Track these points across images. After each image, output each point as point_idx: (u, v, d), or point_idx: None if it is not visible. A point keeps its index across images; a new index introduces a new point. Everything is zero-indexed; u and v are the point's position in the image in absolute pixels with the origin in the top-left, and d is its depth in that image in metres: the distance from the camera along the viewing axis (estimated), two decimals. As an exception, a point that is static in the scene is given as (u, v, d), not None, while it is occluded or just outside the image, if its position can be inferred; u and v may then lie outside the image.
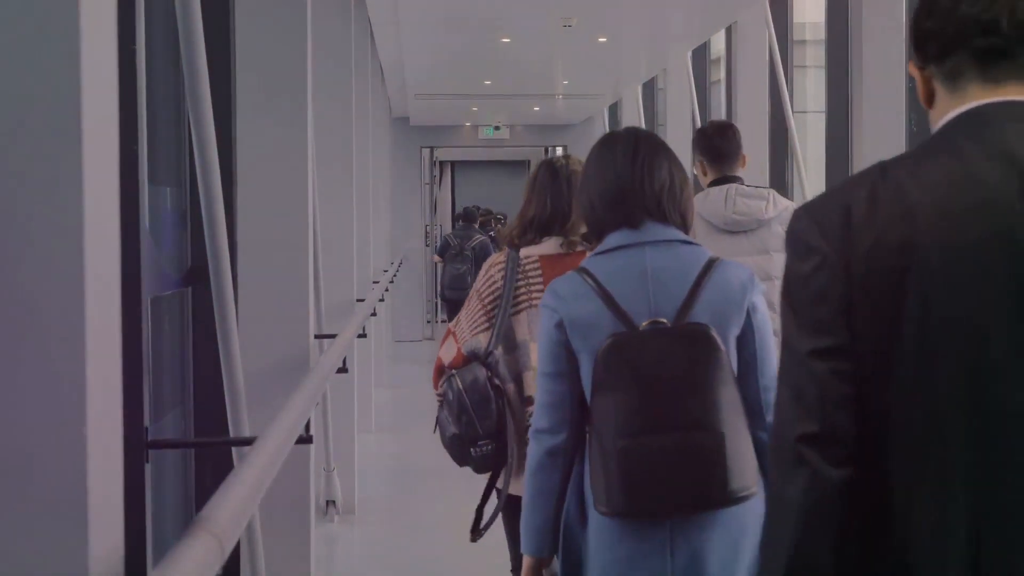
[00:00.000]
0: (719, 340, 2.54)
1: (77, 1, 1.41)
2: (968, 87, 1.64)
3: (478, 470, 3.58)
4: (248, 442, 3.01)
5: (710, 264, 2.63)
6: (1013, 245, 1.53)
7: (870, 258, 1.57)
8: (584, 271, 2.65)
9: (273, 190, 4.16)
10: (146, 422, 3.04)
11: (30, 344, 1.43)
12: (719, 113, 11.51)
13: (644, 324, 2.57)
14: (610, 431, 2.52)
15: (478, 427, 3.47)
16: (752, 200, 4.53)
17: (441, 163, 22.77)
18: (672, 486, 2.49)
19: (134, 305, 3.02)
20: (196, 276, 4.00)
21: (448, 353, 3.60)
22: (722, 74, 11.22)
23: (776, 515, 1.62)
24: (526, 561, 2.75)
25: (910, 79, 7.28)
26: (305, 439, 3.25)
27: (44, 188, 1.42)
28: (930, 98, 1.70)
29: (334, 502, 6.75)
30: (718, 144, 4.59)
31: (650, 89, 14.08)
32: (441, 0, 8.62)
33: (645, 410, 2.51)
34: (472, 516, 3.60)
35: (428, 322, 18.04)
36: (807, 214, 1.65)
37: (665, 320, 2.58)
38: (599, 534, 2.60)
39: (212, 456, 4.04)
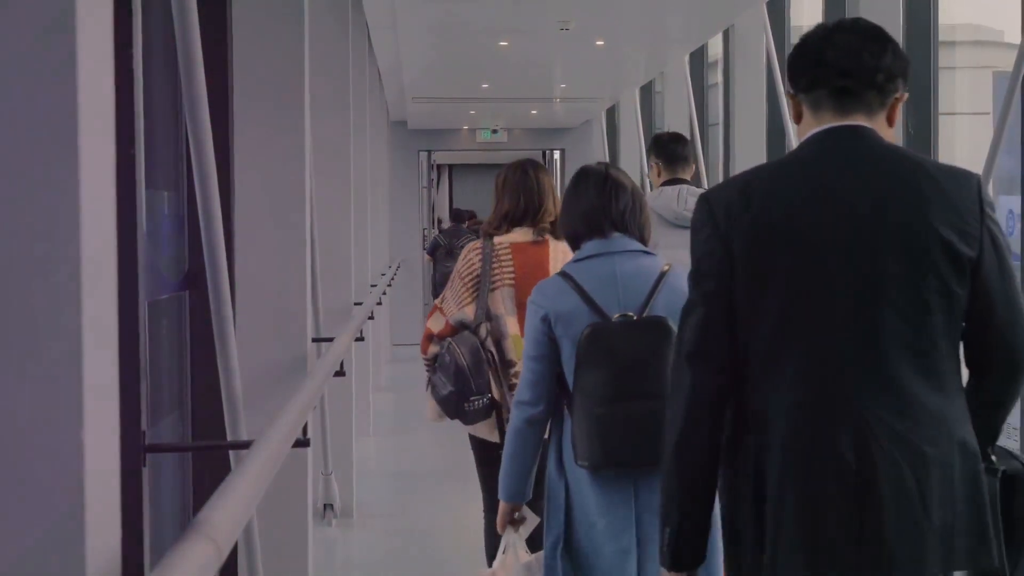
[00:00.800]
0: (674, 329, 3.06)
1: (74, 6, 1.42)
2: (826, 114, 2.30)
3: (468, 422, 4.25)
4: (245, 446, 3.01)
5: (664, 272, 3.36)
6: (848, 221, 2.21)
7: (748, 232, 2.23)
8: (565, 274, 3.35)
9: (270, 194, 4.16)
10: (143, 426, 3.04)
11: (28, 347, 1.43)
12: (717, 116, 11.52)
13: (615, 316, 3.28)
14: (590, 400, 3.20)
15: (472, 385, 4.13)
16: None
17: (439, 166, 22.78)
18: (637, 444, 3.14)
19: (132, 309, 3.02)
20: (194, 280, 4.00)
21: (436, 324, 4.30)
22: (720, 77, 11.22)
23: (671, 407, 2.30)
24: (503, 506, 3.44)
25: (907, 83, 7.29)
26: (303, 443, 3.25)
27: (41, 192, 1.43)
28: (798, 118, 2.36)
29: (332, 506, 6.75)
30: (674, 149, 5.24)
31: (648, 92, 14.09)
32: (438, 4, 8.62)
33: (617, 383, 3.20)
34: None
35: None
36: (703, 201, 2.32)
37: (632, 313, 3.29)
38: (578, 485, 3.29)
39: (210, 460, 4.04)
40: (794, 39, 9.82)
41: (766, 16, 9.24)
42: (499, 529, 3.48)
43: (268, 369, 4.13)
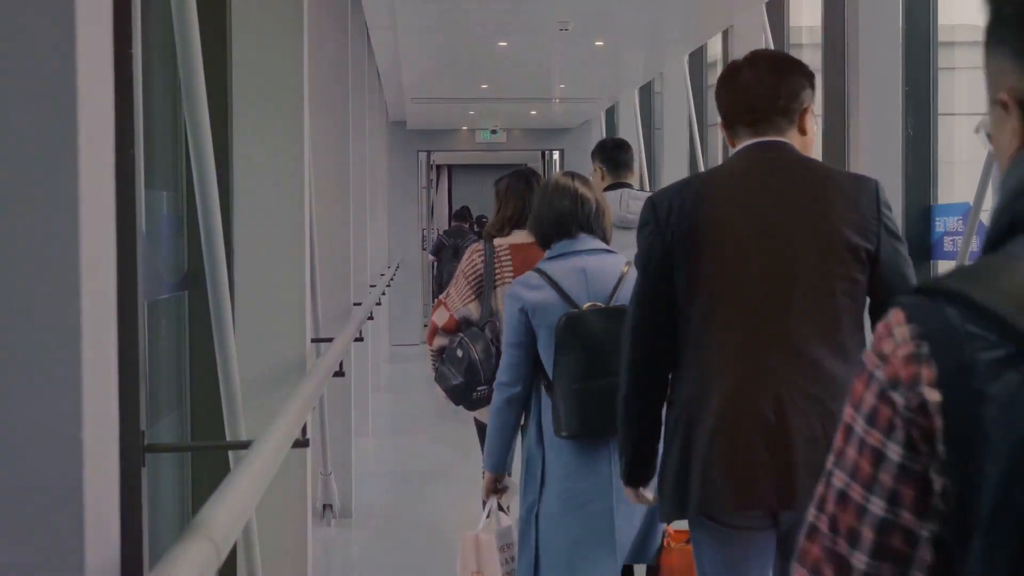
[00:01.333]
0: None
1: (73, 6, 1.42)
2: (744, 137, 2.86)
3: (472, 408, 4.74)
4: (245, 446, 3.01)
5: (625, 270, 3.83)
6: (766, 221, 2.70)
7: (684, 229, 2.73)
8: (540, 271, 3.84)
9: (270, 194, 4.16)
10: (143, 426, 3.04)
11: (26, 348, 1.43)
12: (716, 117, 11.51)
13: (586, 306, 3.78)
14: (568, 378, 3.69)
15: (482, 376, 4.59)
16: (641, 202, 5.47)
17: (438, 167, 22.78)
18: (609, 414, 3.28)
19: (131, 309, 3.02)
20: (193, 280, 4.00)
21: (441, 318, 4.74)
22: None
23: (622, 370, 2.87)
24: (488, 477, 3.97)
25: (907, 83, 7.30)
26: (302, 443, 3.25)
27: (40, 192, 1.43)
28: (731, 142, 2.90)
29: (331, 506, 6.75)
30: (617, 156, 5.59)
31: (647, 93, 14.09)
32: (437, 4, 8.62)
33: (590, 363, 3.69)
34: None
35: (425, 326, 18.04)
36: (649, 202, 2.84)
37: (600, 304, 3.78)
38: (557, 453, 3.78)
39: (209, 460, 4.04)
40: (793, 39, 9.83)
41: (765, 17, 9.24)
42: (484, 497, 4.02)
43: (267, 369, 4.13)
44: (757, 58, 2.89)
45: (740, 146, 2.85)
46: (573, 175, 4.04)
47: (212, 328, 3.26)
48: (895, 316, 1.09)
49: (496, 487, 3.98)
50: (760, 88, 2.82)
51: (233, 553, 3.50)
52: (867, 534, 1.08)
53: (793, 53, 9.82)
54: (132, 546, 2.94)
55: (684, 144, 11.88)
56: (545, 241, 3.93)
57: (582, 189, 3.94)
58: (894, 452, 1.07)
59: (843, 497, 1.10)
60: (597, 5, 8.69)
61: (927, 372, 1.05)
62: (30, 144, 1.42)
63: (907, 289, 2.23)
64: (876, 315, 2.72)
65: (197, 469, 4.11)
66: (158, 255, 3.79)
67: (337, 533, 6.71)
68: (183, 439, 4.07)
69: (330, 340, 4.87)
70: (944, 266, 7.14)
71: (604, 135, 16.50)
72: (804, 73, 2.86)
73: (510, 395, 3.83)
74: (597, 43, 10.33)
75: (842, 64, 7.98)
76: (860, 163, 7.19)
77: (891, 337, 1.08)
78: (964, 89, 8.03)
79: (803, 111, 2.82)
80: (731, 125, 2.87)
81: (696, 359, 2.75)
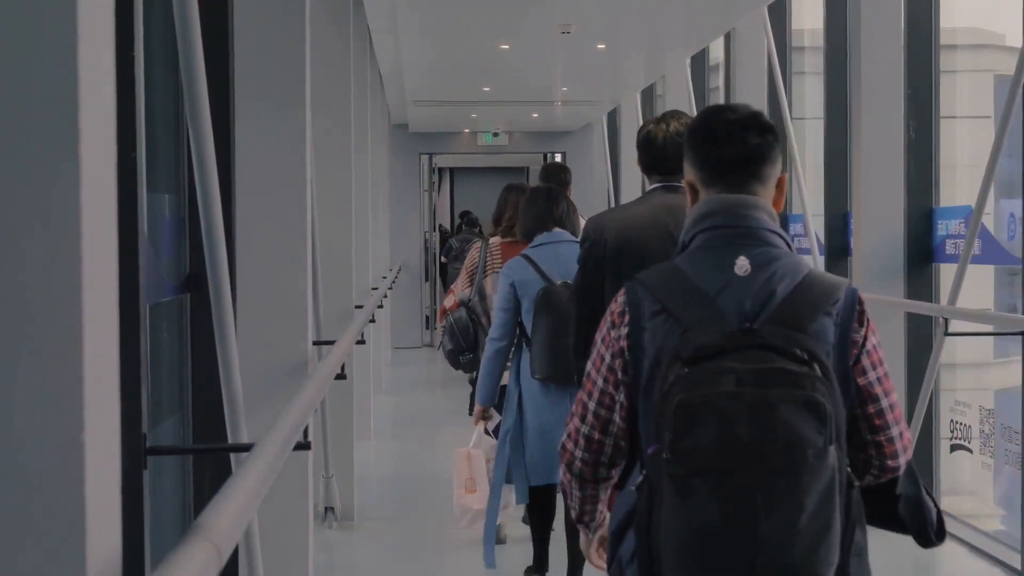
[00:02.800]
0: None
1: (75, 9, 1.42)
2: (655, 180, 3.87)
3: (466, 371, 6.83)
4: (246, 448, 3.01)
5: None
6: (661, 238, 3.67)
7: (610, 243, 3.77)
8: (525, 256, 5.26)
9: (272, 196, 4.16)
10: (144, 428, 3.04)
11: (28, 350, 1.43)
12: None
13: (559, 283, 5.15)
14: (543, 336, 5.09)
15: (463, 344, 6.35)
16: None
17: (440, 170, 22.78)
18: (570, 363, 4.02)
19: (133, 312, 3.02)
20: (194, 283, 4.00)
21: (449, 301, 6.54)
22: (721, 81, 11.22)
23: (571, 333, 3.90)
24: (478, 408, 5.46)
25: (908, 86, 7.30)
26: (303, 445, 3.25)
27: (41, 195, 1.43)
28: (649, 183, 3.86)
29: (333, 509, 6.75)
30: (560, 176, 6.66)
31: (649, 96, 14.10)
32: (439, 7, 8.62)
33: (558, 325, 4.98)
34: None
35: (427, 328, 18.05)
36: (589, 221, 3.92)
37: (569, 281, 4.89)
38: (530, 391, 5.18)
39: (210, 462, 4.04)
40: (795, 42, 9.83)
41: (767, 19, 9.24)
42: (474, 423, 5.50)
43: (269, 372, 4.13)
44: (661, 125, 3.85)
45: (650, 188, 3.89)
46: (549, 188, 5.47)
47: (214, 330, 3.27)
48: (621, 292, 2.42)
49: (485, 415, 5.46)
50: (666, 151, 3.81)
51: (234, 556, 3.50)
52: (595, 395, 2.42)
53: (795, 56, 9.84)
54: (134, 548, 2.94)
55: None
56: (529, 235, 5.35)
57: (555, 195, 5.35)
58: (607, 355, 2.40)
59: (587, 376, 2.44)
60: (599, 8, 8.70)
61: (625, 318, 2.37)
62: (31, 146, 1.42)
63: None
64: None
65: (198, 472, 4.11)
66: (160, 258, 3.79)
67: (339, 536, 6.71)
68: (185, 441, 4.07)
69: (332, 343, 4.87)
70: (946, 269, 7.14)
71: (606, 138, 16.52)
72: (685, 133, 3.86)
73: (499, 347, 5.25)
74: (599, 46, 10.33)
75: (844, 67, 7.98)
76: (862, 167, 7.19)
77: (616, 301, 2.41)
78: (966, 92, 8.03)
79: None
80: (648, 173, 3.90)
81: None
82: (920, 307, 6.88)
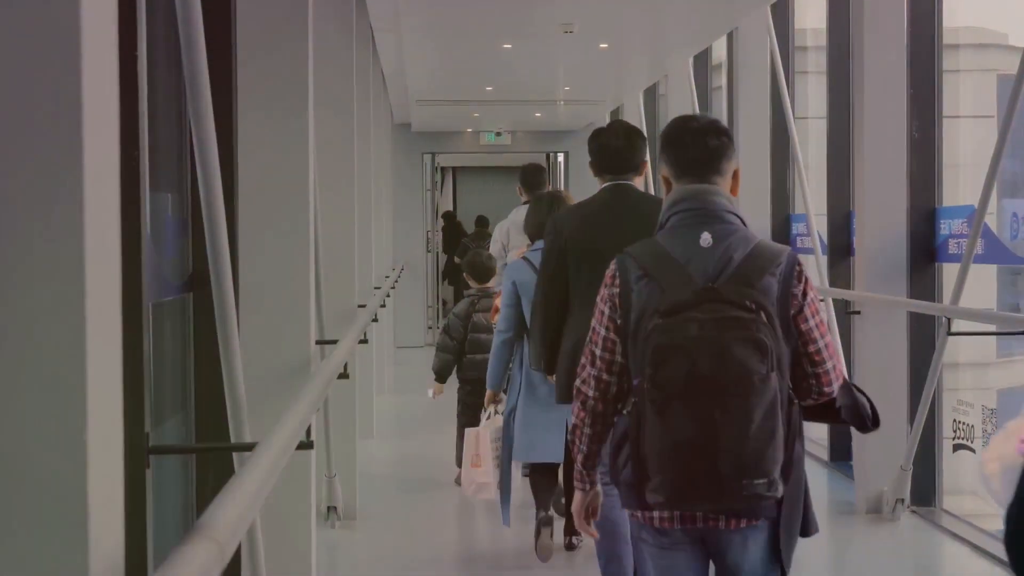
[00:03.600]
0: None
1: (79, 9, 1.42)
2: (606, 180, 4.63)
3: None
4: (249, 447, 3.01)
5: None
6: (614, 233, 4.23)
7: (570, 239, 4.50)
8: (525, 259, 5.84)
9: (274, 196, 4.17)
10: (147, 427, 3.05)
11: (31, 350, 1.43)
12: (721, 119, 11.51)
13: None
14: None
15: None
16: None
17: (443, 169, 22.78)
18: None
19: (135, 311, 3.02)
20: (197, 282, 4.00)
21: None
22: (724, 80, 11.22)
23: (537, 314, 4.75)
24: (489, 393, 6.15)
25: (911, 86, 7.29)
26: (306, 445, 3.25)
27: (45, 194, 1.43)
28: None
29: (335, 508, 6.75)
30: (538, 178, 7.58)
31: (652, 95, 14.09)
32: (442, 6, 8.62)
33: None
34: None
35: (429, 328, 18.05)
36: (551, 221, 4.66)
37: None
38: (531, 379, 5.75)
39: (213, 462, 4.04)
40: (798, 42, 9.83)
41: (770, 19, 9.24)
42: (486, 404, 6.20)
43: (272, 371, 4.13)
44: (615, 129, 4.76)
45: (600, 188, 4.65)
46: (552, 194, 6.02)
47: (217, 330, 3.27)
48: (613, 261, 3.10)
49: (494, 399, 6.15)
50: (620, 155, 4.66)
51: (237, 555, 3.50)
52: (599, 342, 3.08)
53: (798, 56, 9.83)
54: (136, 547, 2.94)
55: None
56: (534, 238, 5.94)
57: (556, 202, 5.81)
58: (606, 309, 3.07)
59: (593, 331, 3.10)
60: (602, 7, 8.70)
61: (616, 281, 3.06)
62: (35, 146, 1.43)
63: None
64: None
65: (201, 471, 4.12)
66: (163, 257, 3.79)
67: (341, 535, 6.71)
68: (187, 441, 4.08)
69: (334, 342, 4.87)
70: (949, 269, 7.14)
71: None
72: (643, 138, 4.71)
73: (504, 338, 5.92)
74: (602, 45, 10.33)
75: (847, 66, 7.98)
76: (865, 166, 7.19)
77: (609, 269, 3.09)
78: (969, 92, 8.03)
79: (642, 164, 4.67)
80: (600, 174, 4.68)
81: (577, 319, 4.41)
82: (923, 307, 6.87)
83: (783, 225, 9.78)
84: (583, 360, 3.13)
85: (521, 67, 11.48)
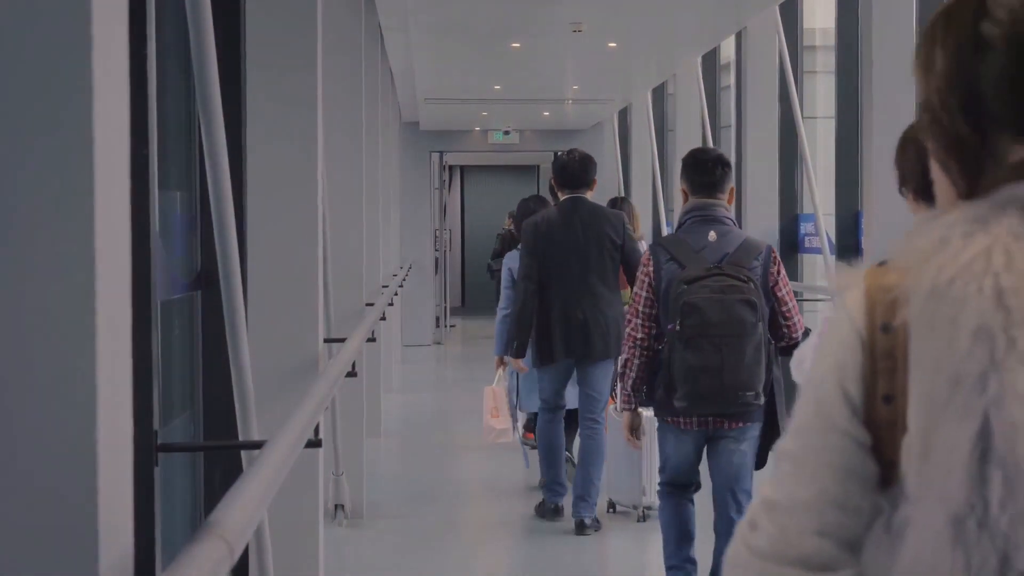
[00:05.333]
0: None
1: (89, 8, 1.42)
2: (565, 192, 6.69)
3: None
4: (257, 446, 3.01)
5: None
6: (576, 237, 6.49)
7: (541, 239, 6.53)
8: (517, 250, 6.87)
9: (283, 194, 4.17)
10: (156, 425, 3.05)
11: (41, 348, 1.44)
12: (729, 118, 11.51)
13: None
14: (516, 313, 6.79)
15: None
16: None
17: (450, 168, 22.79)
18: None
19: (144, 309, 3.02)
20: (206, 280, 4.00)
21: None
22: (732, 79, 11.21)
23: (514, 301, 6.83)
24: (496, 357, 7.23)
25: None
26: (314, 443, 3.25)
27: (55, 192, 1.43)
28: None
29: (343, 506, 6.76)
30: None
31: (660, 94, 14.08)
32: (451, 5, 8.62)
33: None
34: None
35: (437, 326, 18.05)
36: (528, 223, 6.63)
37: None
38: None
39: (222, 460, 4.04)
40: (807, 41, 9.82)
41: (779, 18, 9.23)
42: (496, 367, 7.23)
43: (280, 369, 4.13)
44: (573, 153, 6.57)
45: (563, 199, 6.52)
46: (533, 198, 7.64)
47: (225, 328, 3.27)
48: (647, 249, 4.97)
49: (502, 362, 7.15)
50: (584, 172, 6.53)
51: (245, 553, 3.50)
52: (642, 301, 4.72)
53: (806, 55, 9.82)
54: (145, 545, 2.94)
55: (697, 145, 11.85)
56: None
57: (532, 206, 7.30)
58: (645, 282, 4.71)
59: (635, 296, 4.76)
60: (610, 6, 8.69)
61: (650, 262, 4.71)
62: (45, 144, 1.43)
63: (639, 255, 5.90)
64: (627, 272, 6.41)
65: (210, 469, 4.12)
66: (172, 255, 3.80)
67: (348, 533, 6.71)
68: (196, 439, 4.08)
69: (343, 340, 4.87)
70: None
71: (617, 137, 16.51)
72: (594, 163, 6.61)
73: (505, 314, 7.01)
74: (610, 44, 10.33)
75: (855, 66, 7.97)
76: (873, 163, 7.18)
77: (645, 254, 4.86)
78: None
79: (593, 181, 6.51)
80: (561, 189, 6.61)
81: (544, 299, 6.31)
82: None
83: (791, 225, 9.77)
84: (628, 316, 4.73)
85: (529, 66, 11.48)
